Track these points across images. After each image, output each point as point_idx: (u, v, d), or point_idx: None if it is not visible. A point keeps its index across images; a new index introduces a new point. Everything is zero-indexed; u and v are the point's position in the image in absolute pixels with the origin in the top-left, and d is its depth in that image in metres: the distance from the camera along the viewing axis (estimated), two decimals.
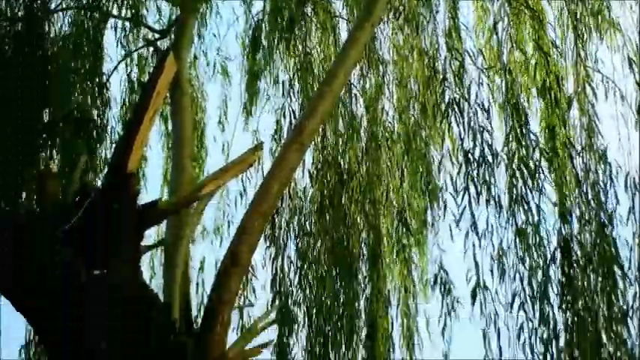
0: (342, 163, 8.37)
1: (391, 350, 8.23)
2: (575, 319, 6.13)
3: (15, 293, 4.71)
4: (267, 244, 8.09)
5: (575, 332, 6.07)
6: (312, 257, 8.16)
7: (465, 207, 6.42)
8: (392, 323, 8.21)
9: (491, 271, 6.30)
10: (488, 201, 6.40)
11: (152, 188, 8.38)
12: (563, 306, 6.17)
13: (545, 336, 6.05)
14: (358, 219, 8.27)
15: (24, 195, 5.34)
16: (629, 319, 6.06)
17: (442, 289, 7.10)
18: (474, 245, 6.36)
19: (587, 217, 6.40)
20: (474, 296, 6.21)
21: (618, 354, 6.04)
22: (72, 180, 5.20)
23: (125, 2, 8.58)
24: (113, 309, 4.56)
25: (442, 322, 6.91)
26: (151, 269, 8.26)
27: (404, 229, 8.29)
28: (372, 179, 8.25)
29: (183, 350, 4.63)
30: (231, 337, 5.22)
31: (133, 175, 4.84)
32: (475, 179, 6.44)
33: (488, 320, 6.20)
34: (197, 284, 7.57)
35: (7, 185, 5.08)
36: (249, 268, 7.86)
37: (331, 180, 8.26)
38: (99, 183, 5.57)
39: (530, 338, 6.06)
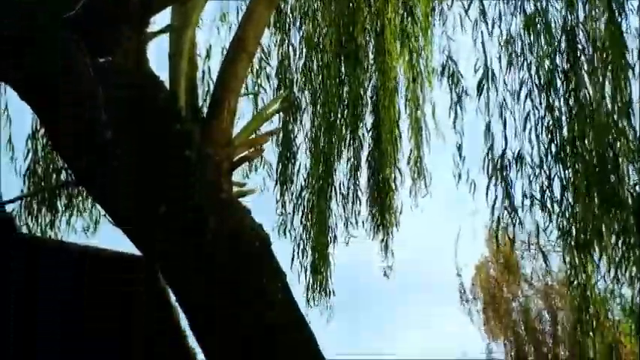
0: None
1: (398, 139, 8.28)
2: (579, 108, 6.12)
3: (19, 82, 4.69)
4: (273, 31, 8.00)
5: (580, 122, 6.08)
6: (317, 44, 8.08)
7: None
8: (399, 112, 8.22)
9: (499, 59, 6.24)
10: None
11: None
12: (567, 95, 6.15)
13: (550, 125, 6.07)
14: (363, 6, 8.12)
15: None
16: (631, 110, 6.05)
17: (450, 79, 7.03)
18: (482, 34, 6.29)
19: (595, 5, 6.26)
20: (480, 87, 6.17)
21: (619, 144, 6.08)
22: None
23: None
24: (118, 97, 4.56)
25: (452, 113, 6.87)
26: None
27: (409, 18, 8.15)
28: None
29: (189, 138, 4.65)
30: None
31: None
32: None
33: (494, 110, 6.19)
34: (203, 72, 7.55)
35: None
36: (261, 54, 7.81)
37: None
38: None
39: (536, 127, 6.08)
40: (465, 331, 19.88)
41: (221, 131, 4.84)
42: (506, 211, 6.26)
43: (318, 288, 8.17)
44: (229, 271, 4.49)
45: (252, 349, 4.44)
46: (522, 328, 19.81)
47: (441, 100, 7.31)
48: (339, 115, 8.04)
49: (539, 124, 6.10)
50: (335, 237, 8.26)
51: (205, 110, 5.13)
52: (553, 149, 6.09)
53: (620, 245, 6.14)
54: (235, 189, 4.98)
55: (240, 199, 4.97)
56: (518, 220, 6.30)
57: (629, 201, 6.02)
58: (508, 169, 6.17)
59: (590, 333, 9.83)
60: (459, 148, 6.90)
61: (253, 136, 5.42)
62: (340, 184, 8.24)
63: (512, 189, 6.21)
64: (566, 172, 6.11)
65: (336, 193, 8.19)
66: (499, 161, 6.17)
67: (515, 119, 6.17)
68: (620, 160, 6.06)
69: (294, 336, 4.57)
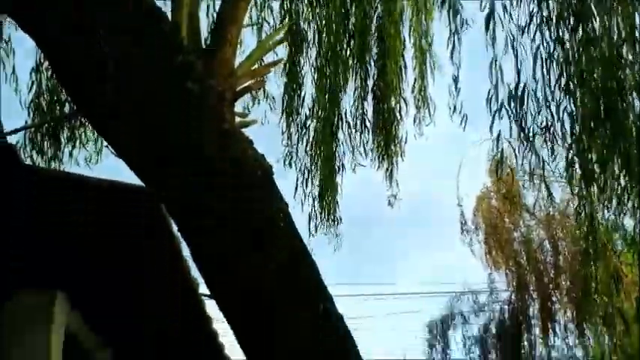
0: None
1: (403, 71, 8.23)
2: (587, 40, 6.06)
3: (23, 15, 4.67)
4: None
5: (587, 54, 6.02)
6: None
7: None
8: (404, 42, 8.14)
9: None
10: None
11: None
12: (574, 27, 6.08)
13: (559, 58, 6.01)
14: None
15: None
16: (637, 41, 6.00)
17: (449, 9, 6.88)
18: None
19: None
20: (488, 20, 6.06)
21: (623, 75, 6.04)
22: None
23: None
24: (120, 28, 4.52)
25: (450, 44, 6.76)
26: None
27: None
28: None
29: (191, 69, 4.61)
30: None
31: None
32: None
33: (502, 43, 6.09)
34: (207, 6, 7.48)
35: None
36: None
37: None
38: None
39: (545, 61, 6.00)
40: (467, 261, 20.06)
41: (223, 62, 4.81)
42: (509, 143, 6.25)
43: (326, 216, 8.17)
44: (231, 201, 4.49)
45: (252, 278, 4.47)
46: (524, 258, 19.94)
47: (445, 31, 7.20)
48: (345, 46, 7.97)
49: (549, 58, 6.02)
50: (342, 165, 8.24)
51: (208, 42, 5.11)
52: (562, 82, 6.03)
53: (623, 176, 6.15)
54: (238, 119, 4.97)
55: (242, 130, 4.96)
56: (522, 152, 6.30)
57: (633, 132, 6.01)
58: (514, 101, 6.11)
59: (595, 263, 9.94)
60: (456, 79, 6.83)
61: (256, 66, 5.39)
62: (346, 112, 8.20)
63: (522, 121, 6.16)
64: (575, 104, 6.07)
65: (341, 122, 8.16)
66: (509, 93, 6.10)
67: (525, 52, 6.08)
68: (627, 91, 6.03)
69: (295, 264, 4.59)
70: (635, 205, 6.34)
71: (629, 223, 7.34)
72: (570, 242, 18.43)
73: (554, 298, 19.74)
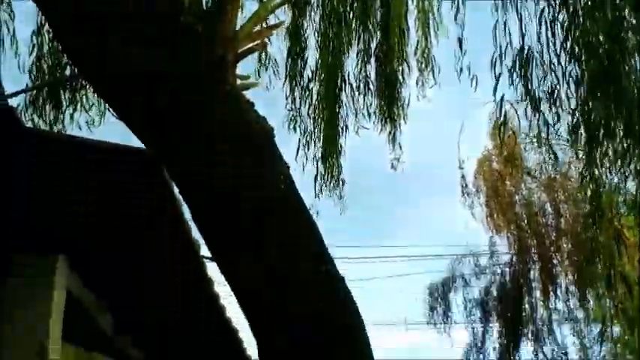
0: None
1: (406, 34, 8.18)
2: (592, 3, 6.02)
3: None
4: None
5: (591, 17, 5.99)
6: None
7: None
8: (407, 4, 8.10)
9: None
10: None
11: None
12: None
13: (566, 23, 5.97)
14: None
15: None
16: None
17: None
18: None
19: None
20: None
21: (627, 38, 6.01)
22: None
23: None
24: None
25: (454, 5, 6.71)
26: None
27: None
28: None
29: (192, 31, 4.58)
30: None
31: None
32: None
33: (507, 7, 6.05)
34: None
35: None
36: None
37: None
38: None
39: (551, 25, 5.97)
40: (468, 224, 20.06)
41: (225, 24, 4.78)
42: (511, 105, 6.24)
43: (329, 178, 8.18)
44: (232, 162, 4.48)
45: (252, 237, 4.47)
46: (525, 220, 19.93)
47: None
48: (348, 8, 7.93)
49: (554, 21, 5.98)
50: (346, 127, 8.24)
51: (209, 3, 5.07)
52: (564, 45, 6.00)
53: (625, 139, 6.15)
54: (239, 82, 4.95)
55: (244, 92, 4.94)
56: (527, 115, 6.29)
57: (635, 94, 5.99)
58: (519, 64, 6.08)
59: (597, 226, 9.96)
60: (460, 41, 6.79)
61: (258, 28, 5.36)
62: (349, 75, 8.18)
63: (527, 83, 6.13)
64: (580, 67, 6.04)
65: (345, 85, 8.14)
66: (515, 56, 6.07)
67: (530, 16, 6.05)
68: (630, 54, 6.00)
69: (293, 224, 4.59)
70: (638, 167, 6.34)
71: (631, 185, 7.35)
72: (572, 205, 18.45)
73: (555, 261, 19.79)
